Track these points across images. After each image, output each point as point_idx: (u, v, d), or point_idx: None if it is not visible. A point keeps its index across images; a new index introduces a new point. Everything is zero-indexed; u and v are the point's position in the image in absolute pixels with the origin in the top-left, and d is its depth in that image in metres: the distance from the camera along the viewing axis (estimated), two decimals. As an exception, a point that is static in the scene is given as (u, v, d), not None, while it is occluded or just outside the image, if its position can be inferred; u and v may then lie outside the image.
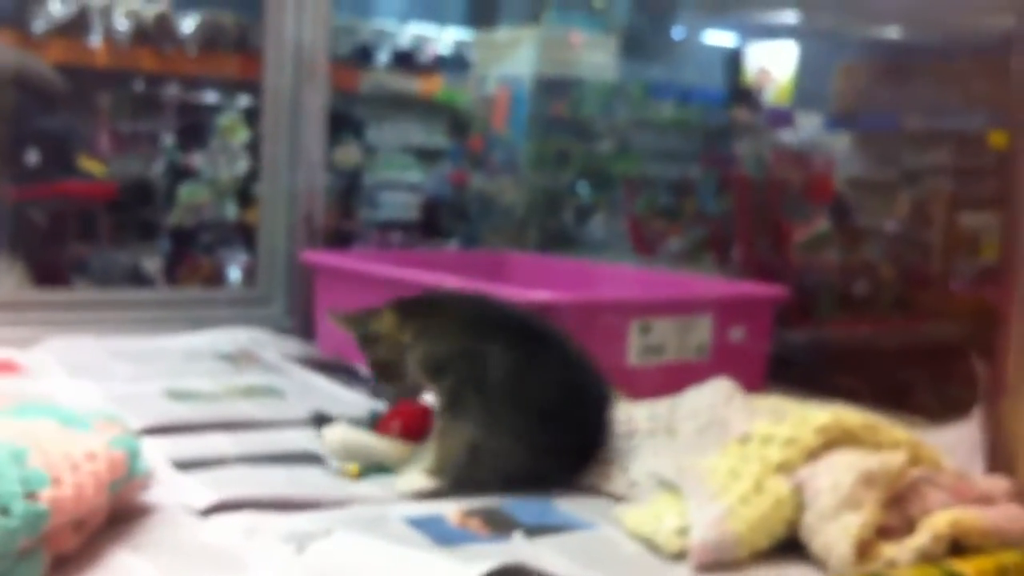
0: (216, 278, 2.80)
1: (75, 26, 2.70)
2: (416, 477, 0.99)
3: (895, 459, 0.85)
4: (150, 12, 2.78)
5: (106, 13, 2.73)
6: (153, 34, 2.79)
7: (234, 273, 2.81)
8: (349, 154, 3.21)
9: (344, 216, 3.18)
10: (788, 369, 1.44)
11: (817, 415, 0.89)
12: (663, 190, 2.96)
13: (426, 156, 3.57)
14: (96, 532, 0.81)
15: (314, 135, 1.77)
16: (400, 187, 3.50)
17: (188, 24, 2.82)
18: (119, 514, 0.85)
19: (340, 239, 2.83)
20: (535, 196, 2.76)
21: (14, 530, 0.71)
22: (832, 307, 1.93)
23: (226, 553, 0.81)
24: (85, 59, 2.76)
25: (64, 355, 1.43)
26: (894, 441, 0.89)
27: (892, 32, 2.56)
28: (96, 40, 2.74)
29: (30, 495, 0.73)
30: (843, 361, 1.80)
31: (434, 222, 3.39)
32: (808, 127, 2.61)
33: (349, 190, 3.25)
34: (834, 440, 0.88)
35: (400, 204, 3.47)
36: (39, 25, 2.67)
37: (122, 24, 2.73)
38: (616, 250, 2.63)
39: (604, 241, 2.77)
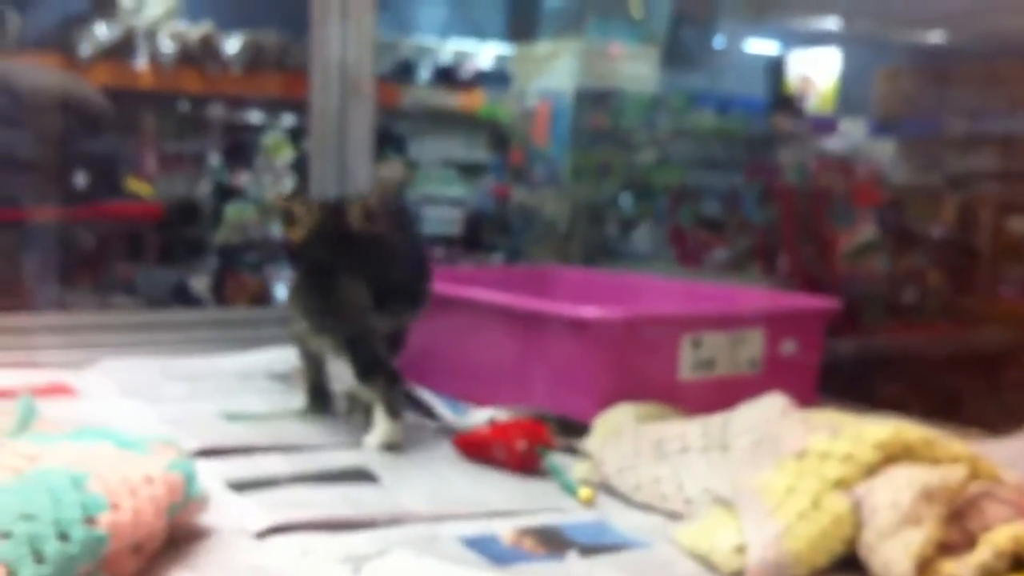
0: (263, 297, 2.81)
1: (121, 49, 2.72)
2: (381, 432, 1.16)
3: (955, 474, 0.84)
4: (195, 33, 2.80)
5: (151, 35, 2.76)
6: (198, 55, 2.80)
7: (281, 291, 2.82)
8: (393, 170, 3.22)
9: (388, 232, 3.18)
10: (835, 379, 1.43)
11: (875, 430, 0.88)
12: (706, 200, 2.94)
13: (468, 171, 3.57)
14: (154, 555, 0.81)
15: (360, 153, 1.78)
16: (442, 202, 3.50)
17: (232, 44, 2.84)
18: (176, 537, 0.85)
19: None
20: (577, 209, 2.76)
21: (74, 556, 0.71)
22: (879, 315, 1.92)
23: (282, 575, 0.81)
24: (131, 81, 2.78)
25: (118, 377, 1.44)
26: (953, 455, 0.88)
27: (935, 36, 2.54)
28: (142, 62, 2.76)
29: (89, 520, 0.74)
30: (891, 370, 1.79)
31: (477, 236, 3.39)
32: (852, 134, 2.59)
33: (393, 206, 3.25)
34: (892, 455, 0.87)
35: (443, 219, 3.47)
36: (85, 49, 2.69)
37: (167, 46, 2.75)
38: (660, 261, 2.62)
39: (648, 253, 2.76)
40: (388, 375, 1.17)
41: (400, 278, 1.19)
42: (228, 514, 0.93)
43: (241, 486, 1.00)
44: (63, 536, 0.71)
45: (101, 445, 0.89)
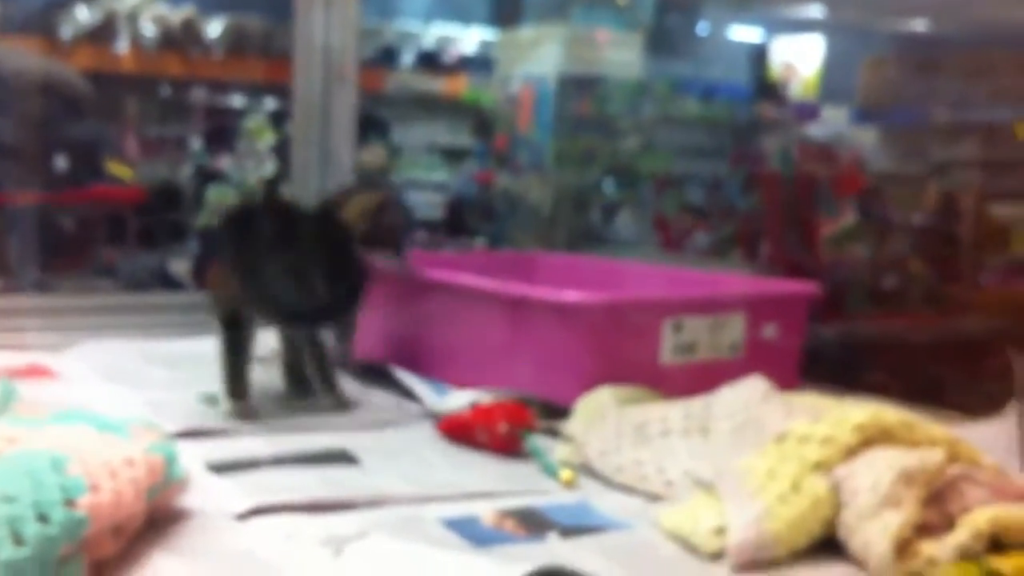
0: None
1: (102, 32, 2.72)
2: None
3: (934, 457, 0.84)
4: (176, 17, 2.79)
5: (133, 19, 2.75)
6: (179, 39, 2.80)
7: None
8: (375, 155, 3.22)
9: (371, 217, 3.18)
10: (818, 365, 1.43)
11: (854, 413, 0.89)
12: (690, 186, 2.95)
13: (452, 156, 3.57)
14: (134, 537, 0.81)
15: (343, 138, 1.78)
16: (426, 187, 3.51)
17: (214, 28, 2.83)
18: (157, 519, 0.85)
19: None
20: (561, 194, 2.76)
21: (54, 537, 0.71)
22: (862, 302, 1.93)
23: (263, 557, 0.81)
24: (112, 65, 2.77)
25: (98, 359, 1.44)
26: (932, 439, 0.89)
27: (919, 24, 2.54)
28: (123, 46, 2.75)
29: (69, 502, 0.73)
30: (873, 356, 1.79)
31: (460, 221, 3.40)
32: (835, 121, 2.60)
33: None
34: (872, 438, 0.87)
35: (426, 204, 3.47)
36: (66, 32, 2.68)
37: (149, 29, 2.74)
38: (643, 247, 2.63)
39: (631, 238, 2.77)
40: (238, 336, 1.25)
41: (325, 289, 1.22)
42: (209, 496, 0.92)
43: (222, 468, 1.00)
44: (43, 518, 0.71)
45: (81, 428, 0.88)
